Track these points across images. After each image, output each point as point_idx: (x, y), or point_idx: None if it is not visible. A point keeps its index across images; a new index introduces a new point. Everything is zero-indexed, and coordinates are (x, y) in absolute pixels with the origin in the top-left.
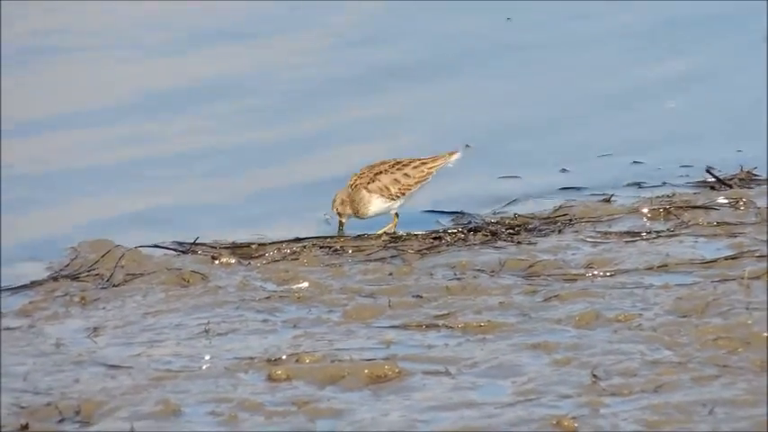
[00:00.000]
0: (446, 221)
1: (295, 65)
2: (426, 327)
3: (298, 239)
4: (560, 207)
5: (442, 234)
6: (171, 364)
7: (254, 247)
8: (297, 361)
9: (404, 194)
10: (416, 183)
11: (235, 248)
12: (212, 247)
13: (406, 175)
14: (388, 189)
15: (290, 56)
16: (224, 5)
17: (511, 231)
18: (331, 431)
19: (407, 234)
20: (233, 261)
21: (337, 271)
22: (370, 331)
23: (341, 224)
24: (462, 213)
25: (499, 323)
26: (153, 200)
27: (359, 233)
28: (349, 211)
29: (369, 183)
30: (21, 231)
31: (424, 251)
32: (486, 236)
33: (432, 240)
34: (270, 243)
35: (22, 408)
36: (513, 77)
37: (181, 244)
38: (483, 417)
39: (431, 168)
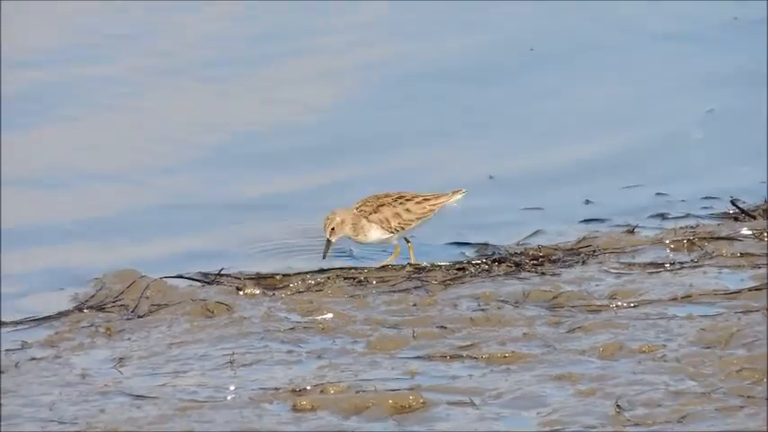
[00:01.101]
0: (470, 253)
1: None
2: (450, 357)
3: (322, 270)
4: (584, 238)
5: (465, 265)
6: (196, 395)
7: (278, 278)
8: (322, 391)
9: (403, 229)
10: (417, 219)
11: (259, 279)
12: (237, 277)
13: (407, 210)
14: (388, 222)
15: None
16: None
17: (535, 262)
18: None
19: (431, 265)
20: (257, 292)
21: (361, 302)
22: (395, 362)
23: (329, 243)
24: (486, 245)
25: (523, 354)
26: (178, 231)
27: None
28: (348, 231)
29: (371, 213)
30: (46, 262)
31: (448, 282)
32: (510, 267)
33: (456, 271)
34: (294, 274)
35: None
36: (535, 107)
37: (206, 275)
38: None
39: (433, 206)
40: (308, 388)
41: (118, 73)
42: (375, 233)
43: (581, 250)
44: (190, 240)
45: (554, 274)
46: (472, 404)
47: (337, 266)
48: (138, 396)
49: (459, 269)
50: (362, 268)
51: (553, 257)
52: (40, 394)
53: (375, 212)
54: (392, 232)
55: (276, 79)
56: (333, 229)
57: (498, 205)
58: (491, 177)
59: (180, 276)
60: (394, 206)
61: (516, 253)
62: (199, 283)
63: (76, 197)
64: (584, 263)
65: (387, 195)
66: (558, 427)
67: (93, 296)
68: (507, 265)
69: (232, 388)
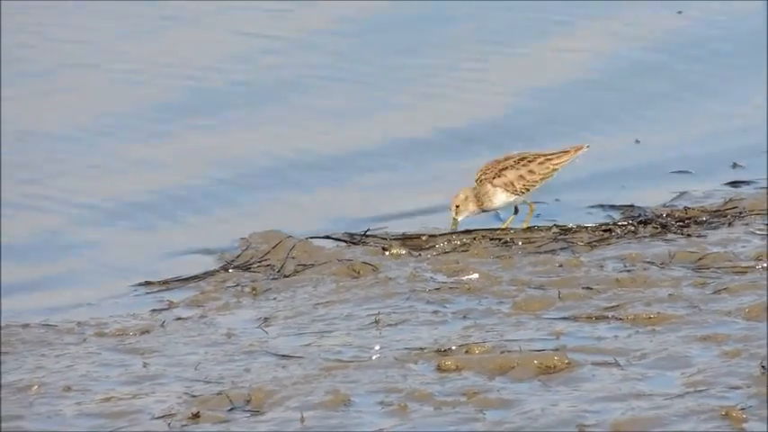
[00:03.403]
0: (616, 214)
1: None
2: (596, 318)
3: (467, 231)
4: (730, 200)
5: (612, 226)
6: (341, 355)
7: (424, 238)
8: (466, 352)
9: (528, 190)
10: (541, 179)
11: (405, 240)
12: (383, 238)
13: (531, 171)
14: (512, 185)
15: None
16: None
17: (681, 224)
18: (500, 421)
19: (577, 226)
20: (403, 252)
21: (507, 262)
22: (540, 323)
23: (455, 222)
24: (632, 206)
25: (669, 315)
26: (321, 191)
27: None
28: (472, 207)
29: (494, 177)
30: (193, 223)
31: (594, 243)
32: (656, 228)
33: (602, 233)
34: (440, 234)
35: (194, 396)
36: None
37: (351, 235)
38: (652, 408)
39: (556, 165)
40: (453, 348)
41: None
42: (501, 197)
43: (727, 212)
44: (335, 201)
45: (700, 236)
46: (617, 365)
47: (483, 227)
48: (283, 356)
49: (605, 230)
50: (508, 229)
51: (699, 219)
52: (185, 354)
53: (498, 176)
54: (517, 194)
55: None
56: (457, 206)
57: (645, 168)
58: (637, 141)
59: (326, 237)
60: (517, 168)
61: (662, 215)
62: (345, 244)
63: (221, 156)
64: (730, 224)
65: (507, 158)
66: (703, 387)
67: (238, 256)
68: (653, 227)
69: (377, 348)
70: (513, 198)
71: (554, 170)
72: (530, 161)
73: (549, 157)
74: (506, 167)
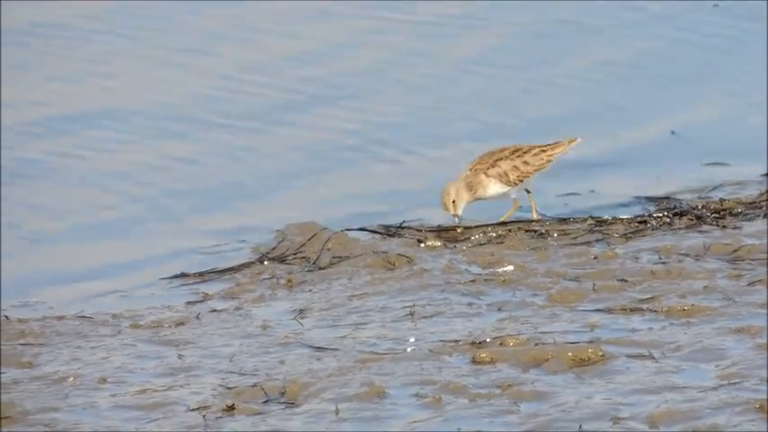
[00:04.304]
0: (651, 206)
1: None
2: (630, 310)
3: (503, 223)
4: (766, 192)
5: (647, 218)
6: (376, 347)
7: (459, 230)
8: (501, 344)
9: (522, 181)
10: (535, 170)
11: (440, 232)
12: (418, 230)
13: (525, 162)
14: (506, 175)
15: None
16: None
17: (716, 216)
18: (535, 414)
19: (612, 218)
20: (438, 244)
21: (542, 254)
22: (575, 315)
23: (456, 217)
24: (668, 198)
25: (703, 307)
26: (358, 183)
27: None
28: (466, 197)
29: (488, 168)
30: (229, 215)
31: (629, 235)
32: (692, 220)
33: (637, 224)
34: (475, 226)
35: (229, 389)
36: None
37: (387, 227)
38: (686, 400)
39: (550, 156)
40: (488, 340)
41: None
42: (494, 188)
43: (762, 203)
44: (369, 193)
45: (735, 228)
46: (651, 357)
47: (518, 219)
48: (318, 348)
49: (640, 222)
50: (544, 221)
51: (734, 211)
52: (220, 346)
53: (492, 167)
54: (511, 185)
55: None
56: (454, 202)
57: (681, 160)
58: (673, 132)
59: (362, 229)
60: (512, 159)
61: (697, 206)
62: (380, 236)
63: (256, 150)
64: (765, 216)
65: (502, 150)
66: (737, 380)
67: (274, 248)
68: (688, 219)
69: (412, 340)
70: (506, 189)
71: (548, 161)
72: (524, 152)
73: (543, 148)
74: (501, 158)
